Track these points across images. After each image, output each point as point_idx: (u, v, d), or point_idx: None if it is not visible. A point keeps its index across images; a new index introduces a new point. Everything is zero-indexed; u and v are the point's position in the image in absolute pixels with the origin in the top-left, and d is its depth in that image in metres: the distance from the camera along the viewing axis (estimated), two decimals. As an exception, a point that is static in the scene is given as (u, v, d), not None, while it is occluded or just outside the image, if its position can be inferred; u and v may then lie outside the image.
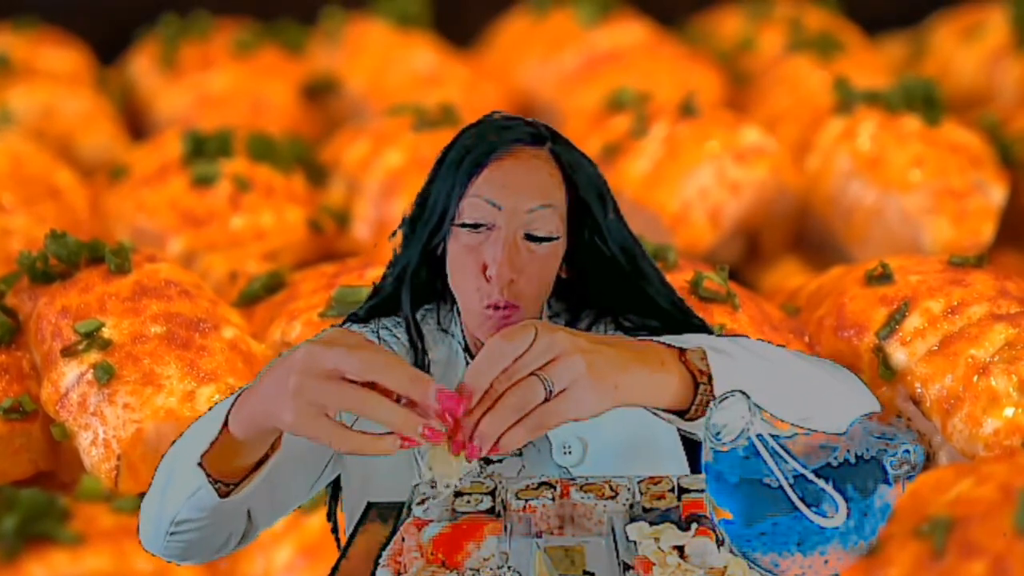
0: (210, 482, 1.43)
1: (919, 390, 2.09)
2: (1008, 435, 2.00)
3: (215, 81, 3.59)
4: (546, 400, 1.33)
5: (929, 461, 2.08)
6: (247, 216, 2.78)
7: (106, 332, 2.13)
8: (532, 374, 1.34)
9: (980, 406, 2.02)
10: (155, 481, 1.52)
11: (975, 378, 2.05)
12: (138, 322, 2.15)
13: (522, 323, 1.38)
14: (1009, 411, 2.01)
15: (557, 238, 1.55)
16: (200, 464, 1.43)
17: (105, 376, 2.07)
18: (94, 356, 2.11)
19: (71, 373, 2.10)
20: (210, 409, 1.50)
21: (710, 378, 1.41)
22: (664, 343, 1.44)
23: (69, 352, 2.12)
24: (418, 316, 1.65)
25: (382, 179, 2.87)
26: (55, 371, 2.12)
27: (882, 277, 2.23)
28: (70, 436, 2.08)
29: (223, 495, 1.44)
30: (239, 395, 1.42)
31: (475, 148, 1.56)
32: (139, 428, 2.04)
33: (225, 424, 1.41)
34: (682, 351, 1.43)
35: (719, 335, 2.08)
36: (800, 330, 2.27)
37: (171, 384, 2.08)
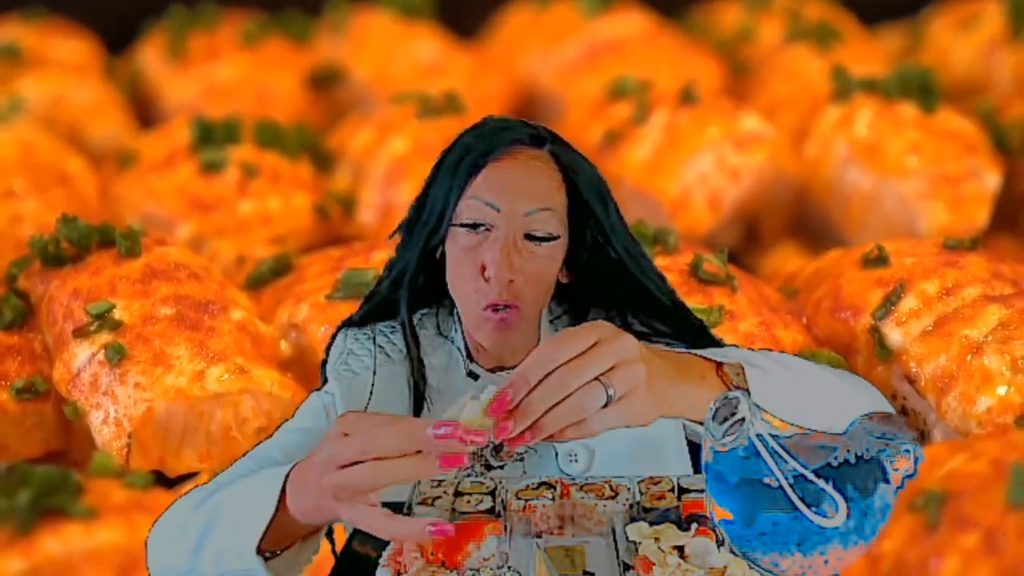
0: (266, 568, 1.42)
1: (914, 369, 2.10)
2: (1000, 413, 2.01)
3: (222, 71, 3.59)
4: (604, 406, 1.35)
5: (924, 438, 2.10)
6: (254, 202, 2.78)
7: (117, 313, 2.15)
8: (597, 379, 1.34)
9: (973, 385, 2.04)
10: (184, 526, 1.48)
11: (969, 357, 2.06)
12: (148, 304, 2.17)
13: (590, 323, 1.39)
14: (1002, 389, 2.03)
15: (557, 238, 1.54)
16: (258, 550, 1.41)
17: (116, 356, 2.09)
18: (105, 337, 2.12)
19: (83, 354, 2.12)
20: (250, 475, 1.48)
21: (747, 392, 1.41)
22: (701, 356, 1.45)
23: (81, 333, 2.13)
24: (415, 321, 1.63)
25: (387, 166, 2.87)
26: (67, 352, 2.14)
27: (878, 259, 2.24)
28: (82, 415, 2.10)
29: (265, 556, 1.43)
30: (288, 474, 1.41)
31: (474, 149, 1.55)
32: (149, 407, 2.05)
33: (279, 503, 1.40)
34: (719, 365, 1.45)
35: (714, 324, 2.11)
36: (798, 312, 2.27)
37: (181, 364, 2.09)
